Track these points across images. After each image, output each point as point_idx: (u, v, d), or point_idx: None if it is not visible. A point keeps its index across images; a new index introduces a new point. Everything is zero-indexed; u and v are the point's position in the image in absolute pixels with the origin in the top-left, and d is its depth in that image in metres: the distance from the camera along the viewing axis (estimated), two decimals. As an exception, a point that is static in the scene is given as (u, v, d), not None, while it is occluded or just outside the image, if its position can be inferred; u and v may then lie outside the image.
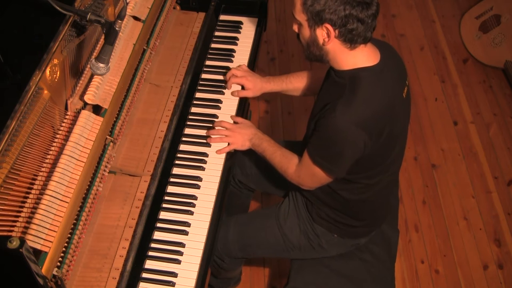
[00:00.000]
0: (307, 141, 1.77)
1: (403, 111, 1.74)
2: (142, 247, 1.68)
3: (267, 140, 1.93)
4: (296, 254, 1.98)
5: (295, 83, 2.09)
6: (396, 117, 1.69)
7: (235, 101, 2.09)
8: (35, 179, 1.45)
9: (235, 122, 2.02)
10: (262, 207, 2.77)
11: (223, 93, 2.10)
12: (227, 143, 1.96)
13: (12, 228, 1.35)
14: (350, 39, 1.57)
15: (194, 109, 2.06)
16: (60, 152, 1.50)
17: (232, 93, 2.09)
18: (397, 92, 1.69)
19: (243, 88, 2.12)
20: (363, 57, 1.62)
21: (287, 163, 1.85)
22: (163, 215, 1.81)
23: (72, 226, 1.51)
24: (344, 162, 1.67)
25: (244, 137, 1.95)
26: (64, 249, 1.47)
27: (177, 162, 1.92)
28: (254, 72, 2.16)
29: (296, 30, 1.69)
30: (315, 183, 1.80)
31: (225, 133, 1.96)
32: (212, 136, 1.96)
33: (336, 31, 1.56)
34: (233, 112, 2.06)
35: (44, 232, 1.38)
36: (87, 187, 1.58)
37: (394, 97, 1.67)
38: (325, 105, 1.65)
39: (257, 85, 2.10)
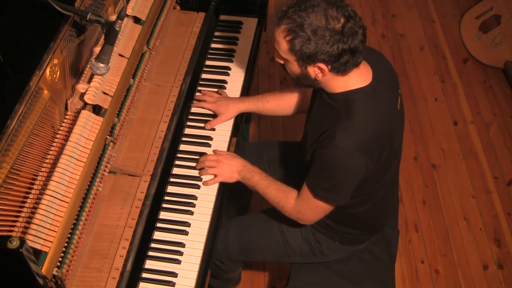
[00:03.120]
0: (304, 146, 1.74)
1: (399, 124, 1.72)
2: (142, 247, 1.68)
3: (258, 173, 1.84)
4: (297, 259, 1.98)
5: (272, 102, 2.01)
6: (394, 133, 1.67)
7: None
8: (35, 179, 1.45)
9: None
10: (262, 208, 2.77)
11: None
12: (213, 176, 1.87)
13: (12, 228, 1.35)
14: (344, 70, 1.53)
15: (194, 109, 2.06)
16: (60, 152, 1.50)
17: (205, 126, 2.01)
18: (392, 106, 1.66)
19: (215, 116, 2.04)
20: (355, 78, 1.58)
21: (284, 197, 1.77)
22: (163, 215, 1.81)
23: (72, 226, 1.51)
24: (348, 188, 1.65)
25: (232, 168, 1.86)
26: (64, 249, 1.47)
27: (177, 162, 1.92)
28: (254, 72, 2.15)
29: (281, 62, 1.62)
30: (318, 215, 1.75)
31: (211, 164, 1.87)
32: (198, 169, 1.89)
33: (329, 67, 1.52)
34: (233, 112, 2.06)
35: (44, 232, 1.38)
36: (87, 187, 1.58)
37: (390, 114, 1.64)
38: (321, 134, 1.60)
39: (228, 108, 2.01)
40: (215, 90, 2.11)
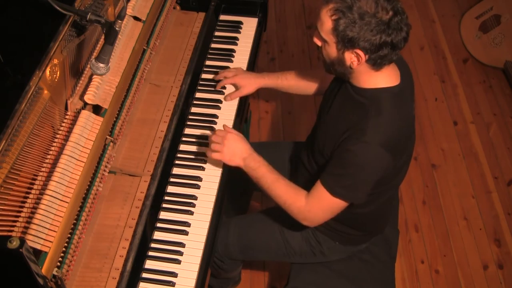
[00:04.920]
0: (321, 140, 1.73)
1: (414, 128, 1.73)
2: (142, 247, 1.68)
3: (265, 165, 1.75)
4: (297, 259, 1.98)
5: (291, 80, 2.03)
6: (413, 136, 1.68)
7: (235, 101, 2.09)
8: (35, 179, 1.45)
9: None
10: (262, 208, 2.77)
11: (223, 93, 2.10)
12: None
13: (12, 228, 1.35)
14: (379, 64, 1.53)
15: (194, 109, 2.06)
16: (60, 152, 1.50)
17: (225, 98, 2.04)
18: (412, 110, 1.67)
19: (237, 89, 2.09)
20: (385, 77, 1.58)
21: (294, 195, 1.71)
22: (163, 215, 1.81)
23: (72, 226, 1.51)
24: (367, 186, 1.63)
25: (235, 151, 1.76)
26: (64, 249, 1.47)
27: (177, 162, 1.92)
28: (253, 71, 2.16)
29: (319, 44, 1.60)
30: (327, 215, 1.70)
31: (217, 139, 1.78)
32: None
33: (367, 56, 1.51)
34: (233, 113, 2.06)
35: (44, 232, 1.38)
36: (87, 187, 1.58)
37: (412, 118, 1.66)
38: (346, 130, 1.59)
39: (250, 81, 2.06)
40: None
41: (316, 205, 1.68)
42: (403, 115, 1.61)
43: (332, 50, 1.56)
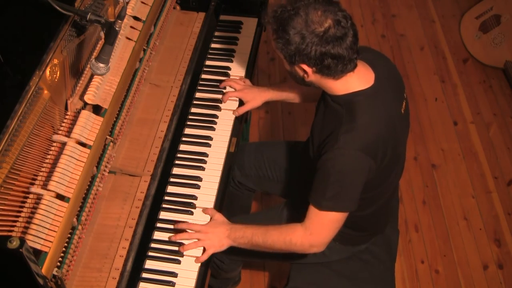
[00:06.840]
0: (311, 149, 1.72)
1: (403, 128, 1.72)
2: (142, 247, 1.68)
3: (248, 226, 1.73)
4: (297, 259, 1.98)
5: (295, 90, 2.04)
6: (397, 137, 1.67)
7: (235, 101, 2.09)
8: (35, 179, 1.45)
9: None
10: (262, 208, 2.77)
11: (223, 93, 2.10)
12: (202, 248, 1.74)
13: (12, 228, 1.35)
14: (329, 74, 1.54)
15: (194, 109, 2.06)
16: (60, 152, 1.50)
17: (233, 112, 2.05)
18: (396, 110, 1.66)
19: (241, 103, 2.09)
20: (355, 80, 1.58)
21: (289, 229, 1.67)
22: (163, 215, 1.81)
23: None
24: (354, 192, 1.60)
25: (220, 235, 1.73)
26: (64, 249, 1.47)
27: (177, 162, 1.92)
28: (254, 72, 2.16)
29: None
30: (331, 231, 1.65)
31: (197, 236, 1.73)
32: (184, 242, 1.73)
33: (313, 69, 1.53)
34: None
35: (44, 232, 1.38)
36: (87, 187, 1.58)
37: (394, 117, 1.64)
38: (325, 139, 1.60)
39: (255, 96, 2.06)
40: (239, 77, 2.15)
41: (315, 225, 1.64)
42: (381, 117, 1.59)
43: (285, 65, 1.60)
